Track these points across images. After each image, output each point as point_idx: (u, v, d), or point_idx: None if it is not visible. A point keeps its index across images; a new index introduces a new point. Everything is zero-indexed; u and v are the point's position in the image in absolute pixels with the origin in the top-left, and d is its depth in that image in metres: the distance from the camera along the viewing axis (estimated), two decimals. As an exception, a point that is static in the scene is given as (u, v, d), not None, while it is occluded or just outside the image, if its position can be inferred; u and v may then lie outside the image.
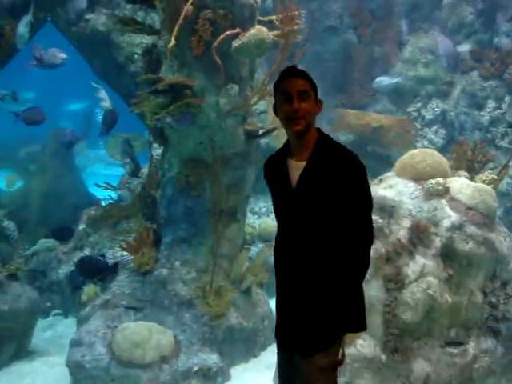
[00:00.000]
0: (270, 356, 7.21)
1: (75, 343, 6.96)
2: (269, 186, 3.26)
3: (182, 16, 6.62)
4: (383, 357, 6.05)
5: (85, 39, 9.43)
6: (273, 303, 8.30)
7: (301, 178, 3.03)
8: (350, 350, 6.11)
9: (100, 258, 8.04)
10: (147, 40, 9.10)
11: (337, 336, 3.05)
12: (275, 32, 7.08)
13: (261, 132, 7.46)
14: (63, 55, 8.91)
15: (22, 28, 8.38)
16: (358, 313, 3.10)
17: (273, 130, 7.55)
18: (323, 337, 3.02)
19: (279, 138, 8.85)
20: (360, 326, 3.11)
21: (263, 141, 8.33)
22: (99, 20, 9.87)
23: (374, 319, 6.17)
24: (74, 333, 7.36)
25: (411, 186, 6.57)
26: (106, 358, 6.68)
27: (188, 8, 6.66)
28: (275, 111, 3.11)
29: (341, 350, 3.08)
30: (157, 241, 7.46)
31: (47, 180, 12.65)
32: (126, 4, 9.53)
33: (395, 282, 6.10)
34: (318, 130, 3.13)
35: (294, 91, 2.98)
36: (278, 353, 3.30)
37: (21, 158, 14.89)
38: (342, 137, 10.80)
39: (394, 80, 10.19)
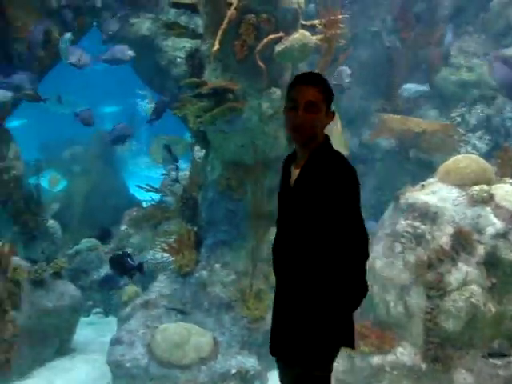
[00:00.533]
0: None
1: (115, 342, 7.07)
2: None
3: (225, 20, 6.68)
4: (423, 365, 5.98)
5: (129, 43, 9.58)
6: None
7: (293, 187, 2.98)
8: (389, 358, 6.07)
9: (128, 257, 8.19)
10: (190, 44, 9.22)
11: (320, 348, 2.89)
12: (318, 36, 7.08)
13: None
14: (131, 52, 9.06)
15: (63, 44, 8.59)
16: (348, 329, 2.95)
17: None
18: (304, 347, 2.88)
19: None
20: (348, 342, 2.95)
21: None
22: (144, 24, 10.04)
23: (415, 327, 6.11)
24: (115, 332, 7.48)
25: (455, 192, 6.47)
26: (145, 357, 6.76)
27: (232, 12, 6.72)
28: (283, 112, 3.00)
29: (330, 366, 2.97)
30: (197, 243, 7.52)
31: (90, 181, 12.90)
32: (169, 9, 9.67)
33: (437, 290, 6.02)
34: (326, 137, 2.99)
35: (301, 101, 2.86)
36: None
37: (64, 159, 15.23)
38: (384, 142, 10.71)
39: (422, 88, 10.02)
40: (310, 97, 2.86)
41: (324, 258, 2.87)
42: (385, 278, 6.38)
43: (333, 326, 2.87)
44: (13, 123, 9.97)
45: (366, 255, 2.91)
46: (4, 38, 8.96)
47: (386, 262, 6.45)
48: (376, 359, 6.11)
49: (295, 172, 2.99)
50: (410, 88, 9.83)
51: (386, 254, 6.52)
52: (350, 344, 2.95)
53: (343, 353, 6.37)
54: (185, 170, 9.71)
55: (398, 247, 6.45)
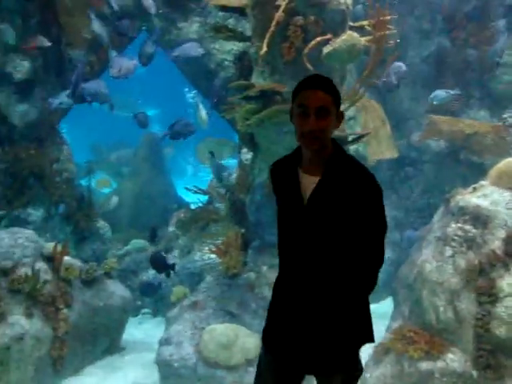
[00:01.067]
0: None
1: (164, 342, 7.16)
2: (276, 193, 3.09)
3: (273, 23, 6.69)
4: (474, 373, 5.84)
5: (177, 46, 9.69)
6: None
7: (313, 195, 2.85)
8: (438, 364, 5.96)
9: (164, 256, 8.57)
10: (237, 47, 9.29)
11: (354, 351, 2.96)
12: (367, 37, 7.00)
13: (350, 138, 7.39)
14: (201, 50, 9.19)
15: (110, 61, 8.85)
16: (368, 324, 3.01)
17: (362, 136, 7.47)
18: (342, 354, 2.92)
19: (369, 144, 8.75)
20: (370, 337, 3.01)
21: (352, 147, 8.26)
22: (191, 28, 10.16)
23: (465, 333, 5.98)
24: (163, 332, 7.58)
25: (507, 195, 6.32)
26: (193, 357, 6.84)
27: (279, 15, 6.73)
28: (291, 117, 2.89)
29: (359, 364, 3.01)
30: (245, 245, 7.56)
31: (139, 183, 13.12)
32: (217, 12, 9.76)
33: (488, 295, 5.88)
34: (333, 141, 2.91)
35: (312, 107, 2.75)
36: (265, 360, 3.11)
37: (113, 161, 15.57)
38: (433, 144, 10.53)
39: (452, 92, 9.79)
40: (321, 102, 2.76)
41: (346, 264, 2.86)
42: (434, 282, 6.27)
43: (358, 326, 2.94)
44: (65, 126, 10.21)
45: (383, 261, 2.94)
46: (57, 43, 9.23)
47: (435, 266, 6.35)
48: (425, 365, 6.00)
49: (310, 179, 2.87)
50: (439, 95, 9.62)
51: (435, 258, 6.41)
52: (371, 339, 3.01)
53: (391, 357, 6.30)
54: (232, 172, 9.76)
55: (449, 251, 6.33)
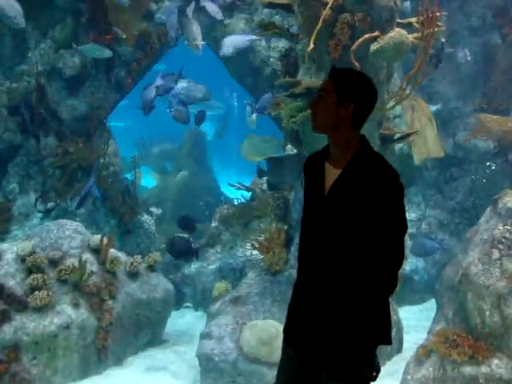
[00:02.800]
0: (393, 366, 7.08)
1: (205, 336, 7.23)
2: (304, 187, 3.15)
3: (320, 20, 6.66)
4: (521, 379, 5.71)
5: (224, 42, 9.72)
6: (402, 312, 8.08)
7: (334, 186, 2.90)
8: (483, 369, 5.84)
9: (187, 240, 8.52)
10: (283, 44, 9.28)
11: (368, 350, 2.92)
12: (415, 34, 6.90)
13: (396, 137, 7.31)
14: (249, 38, 9.19)
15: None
16: (386, 326, 2.96)
17: (408, 135, 7.37)
18: (356, 351, 2.89)
19: (414, 143, 8.63)
20: (387, 339, 2.95)
21: (397, 146, 8.16)
22: (238, 25, 10.20)
23: (512, 338, 5.85)
24: (204, 326, 7.66)
25: (558, 197, 6.15)
26: (233, 352, 6.88)
27: (327, 12, 6.70)
28: None
29: (375, 364, 2.96)
30: (288, 242, 7.56)
31: (183, 178, 13.27)
32: (263, 9, 9.77)
33: (537, 300, 5.73)
34: (362, 137, 2.96)
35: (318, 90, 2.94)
36: (286, 354, 3.15)
37: (156, 156, 15.77)
38: (481, 143, 10.31)
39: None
40: (324, 85, 2.93)
41: (363, 262, 2.84)
42: (480, 285, 6.14)
43: (375, 326, 2.90)
44: (112, 121, 10.40)
45: (402, 262, 2.90)
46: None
47: (481, 269, 6.22)
48: (469, 369, 5.89)
49: (333, 171, 2.93)
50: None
51: (482, 261, 6.28)
52: (388, 341, 2.96)
53: (434, 360, 6.21)
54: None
55: (496, 254, 6.20)
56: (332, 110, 2.86)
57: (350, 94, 2.86)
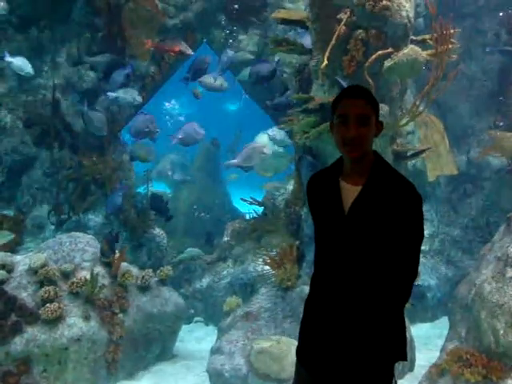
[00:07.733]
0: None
1: (216, 351, 7.20)
2: (312, 206, 3.08)
3: (334, 36, 6.69)
4: (536, 400, 5.62)
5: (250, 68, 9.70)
6: (414, 329, 7.96)
7: (355, 204, 2.85)
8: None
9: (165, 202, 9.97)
10: (296, 60, 9.31)
11: (388, 367, 2.87)
12: (429, 51, 6.91)
13: (409, 153, 7.29)
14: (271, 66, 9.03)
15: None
16: (402, 341, 2.93)
17: (422, 151, 7.35)
18: (376, 369, 2.85)
19: (428, 159, 8.60)
20: (404, 354, 2.92)
21: (410, 162, 8.15)
22: (251, 40, 10.27)
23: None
24: (214, 341, 7.62)
25: None
26: (243, 368, 6.85)
27: (341, 28, 6.73)
28: (331, 128, 2.93)
29: (393, 382, 2.92)
30: (299, 258, 7.53)
31: (194, 191, 13.29)
32: (277, 25, 9.83)
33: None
34: (375, 152, 2.94)
35: (352, 115, 2.79)
36: (299, 373, 3.12)
37: (165, 166, 15.75)
38: (495, 161, 10.26)
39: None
40: (361, 110, 2.80)
41: (383, 275, 2.82)
42: (494, 304, 6.07)
43: (393, 342, 2.88)
44: (125, 135, 10.46)
45: (417, 271, 2.91)
46: (122, 54, 9.52)
47: (495, 287, 6.15)
48: (482, 389, 5.82)
49: (352, 188, 2.88)
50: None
51: (495, 279, 6.21)
52: (404, 357, 2.92)
53: (447, 379, 6.13)
54: (289, 184, 9.75)
55: (510, 272, 6.14)
56: (373, 133, 2.86)
57: (378, 114, 2.91)
